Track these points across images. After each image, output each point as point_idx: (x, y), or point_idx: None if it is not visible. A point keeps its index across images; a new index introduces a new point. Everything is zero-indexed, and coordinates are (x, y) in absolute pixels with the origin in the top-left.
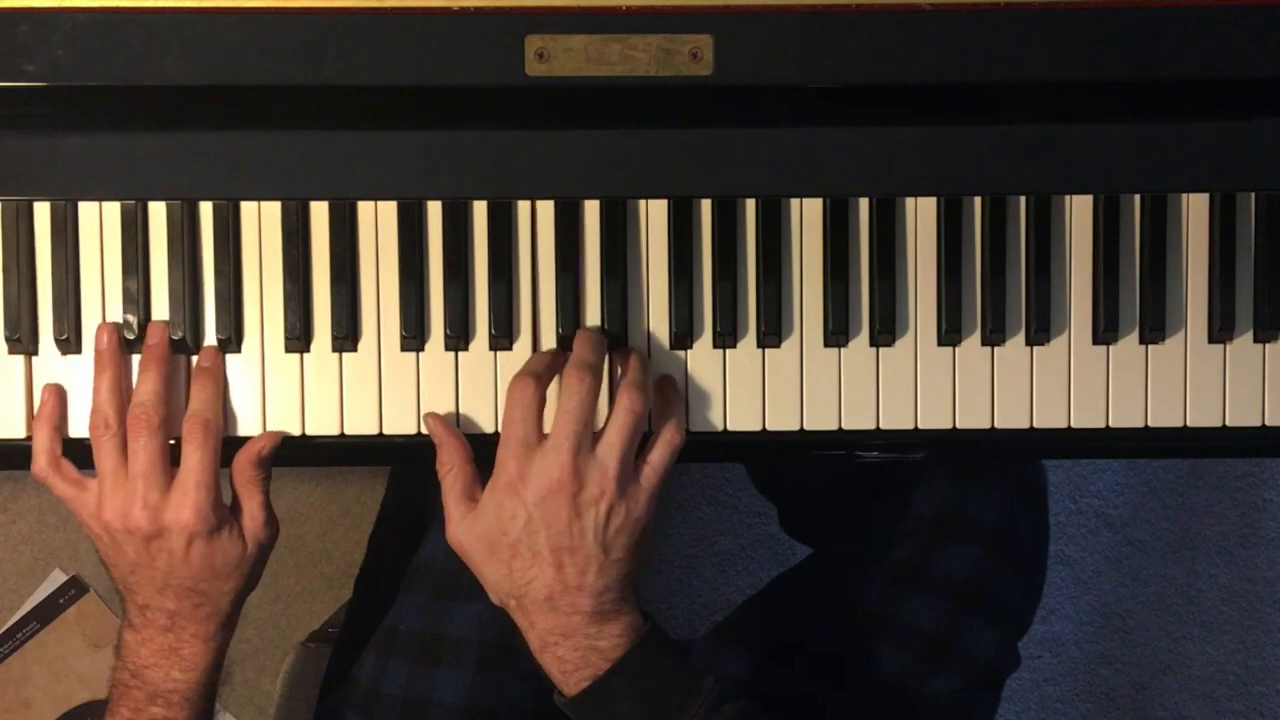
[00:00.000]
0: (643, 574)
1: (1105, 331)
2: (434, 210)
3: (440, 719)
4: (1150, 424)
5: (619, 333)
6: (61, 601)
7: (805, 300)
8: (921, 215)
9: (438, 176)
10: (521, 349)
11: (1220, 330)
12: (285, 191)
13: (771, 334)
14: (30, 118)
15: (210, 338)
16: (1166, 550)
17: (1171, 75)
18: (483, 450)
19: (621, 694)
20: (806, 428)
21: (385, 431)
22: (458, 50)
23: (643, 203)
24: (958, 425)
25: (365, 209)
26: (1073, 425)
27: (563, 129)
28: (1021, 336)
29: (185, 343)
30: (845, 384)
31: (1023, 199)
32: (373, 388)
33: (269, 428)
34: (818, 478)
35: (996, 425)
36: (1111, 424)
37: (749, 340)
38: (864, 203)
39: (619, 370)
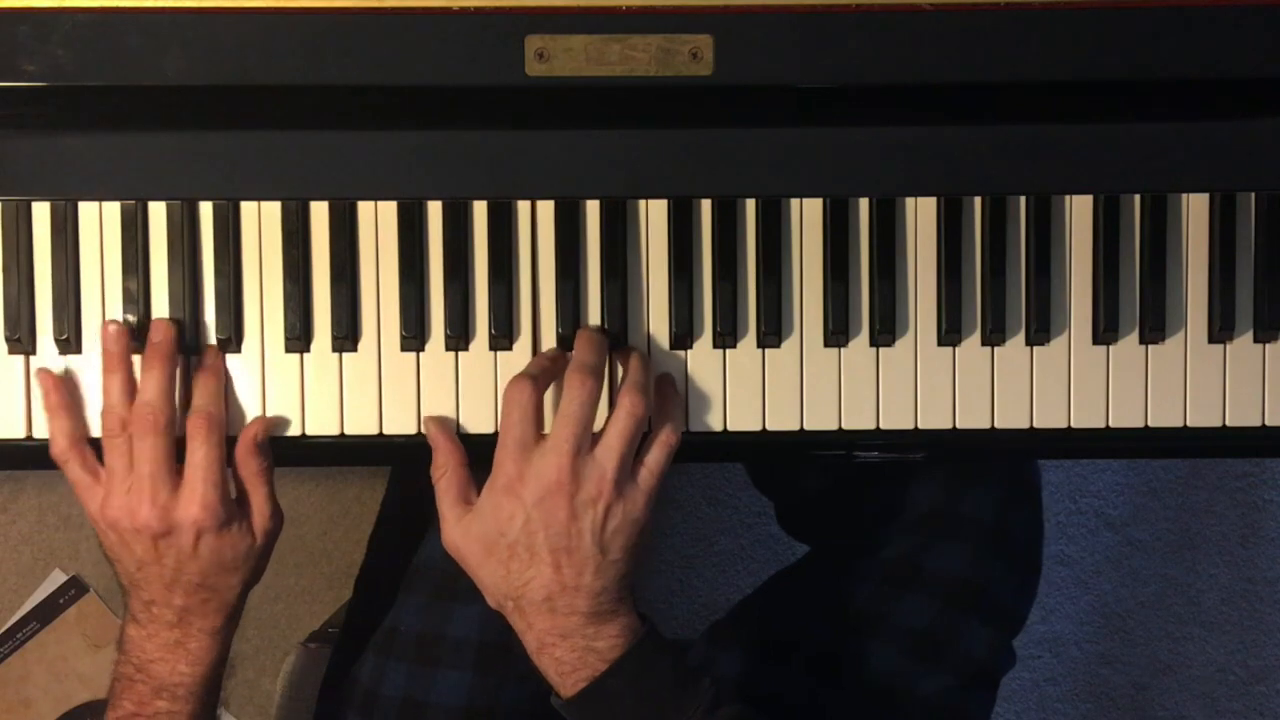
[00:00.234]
0: (639, 575)
1: (1105, 331)
2: (434, 210)
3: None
4: (1150, 424)
5: (619, 333)
6: (61, 601)
7: (805, 300)
8: (921, 215)
9: (438, 176)
10: (522, 349)
11: (1220, 330)
12: (285, 191)
13: (771, 334)
14: (30, 118)
15: (210, 338)
16: (1166, 550)
17: (1171, 75)
18: (483, 451)
19: (619, 695)
20: (806, 428)
21: (385, 432)
22: (458, 50)
23: (643, 203)
24: (958, 425)
25: (365, 209)
26: (1073, 425)
27: (563, 129)
28: (1021, 336)
29: (185, 343)
30: (845, 384)
31: (1023, 199)
32: (373, 388)
33: None
34: (814, 478)
35: (996, 425)
36: (1111, 424)
37: (749, 340)
38: (864, 203)
39: (620, 370)
